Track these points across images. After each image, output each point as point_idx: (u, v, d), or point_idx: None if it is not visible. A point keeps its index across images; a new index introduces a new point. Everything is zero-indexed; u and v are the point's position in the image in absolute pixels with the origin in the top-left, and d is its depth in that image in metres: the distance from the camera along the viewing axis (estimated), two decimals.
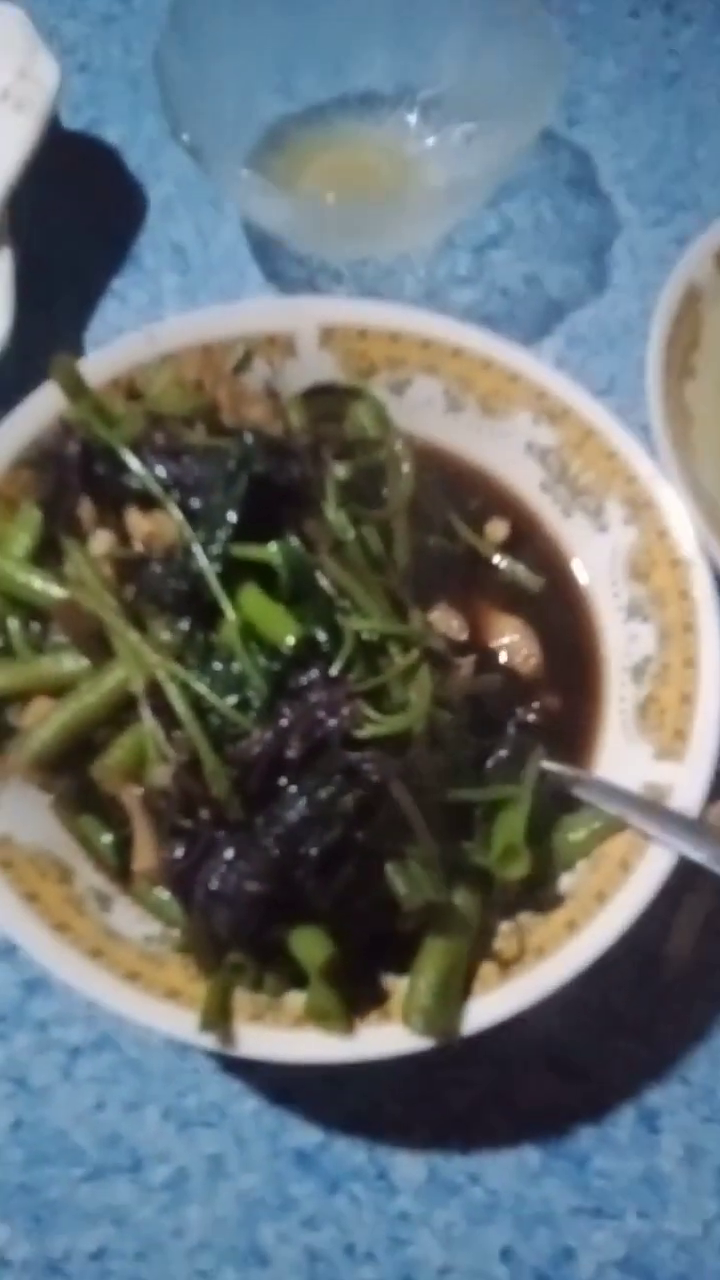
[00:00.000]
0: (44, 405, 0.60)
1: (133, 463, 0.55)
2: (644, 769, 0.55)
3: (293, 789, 0.48)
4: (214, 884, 0.49)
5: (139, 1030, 0.57)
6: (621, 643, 0.60)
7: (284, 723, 0.49)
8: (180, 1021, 0.49)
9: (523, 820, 0.52)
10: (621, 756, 0.57)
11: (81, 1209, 0.54)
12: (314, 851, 0.48)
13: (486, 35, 0.79)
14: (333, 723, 0.48)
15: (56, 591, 0.55)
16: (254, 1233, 0.54)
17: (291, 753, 0.48)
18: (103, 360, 0.61)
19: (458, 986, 0.50)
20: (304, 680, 0.50)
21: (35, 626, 0.57)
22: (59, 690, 0.54)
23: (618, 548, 0.61)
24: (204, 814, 0.50)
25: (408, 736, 0.50)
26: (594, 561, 0.62)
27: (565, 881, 0.54)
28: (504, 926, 0.53)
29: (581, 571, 0.63)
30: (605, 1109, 0.57)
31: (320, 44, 0.83)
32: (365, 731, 0.49)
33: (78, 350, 0.77)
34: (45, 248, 0.79)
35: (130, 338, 0.62)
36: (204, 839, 0.49)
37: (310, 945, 0.49)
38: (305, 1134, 0.56)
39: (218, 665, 0.51)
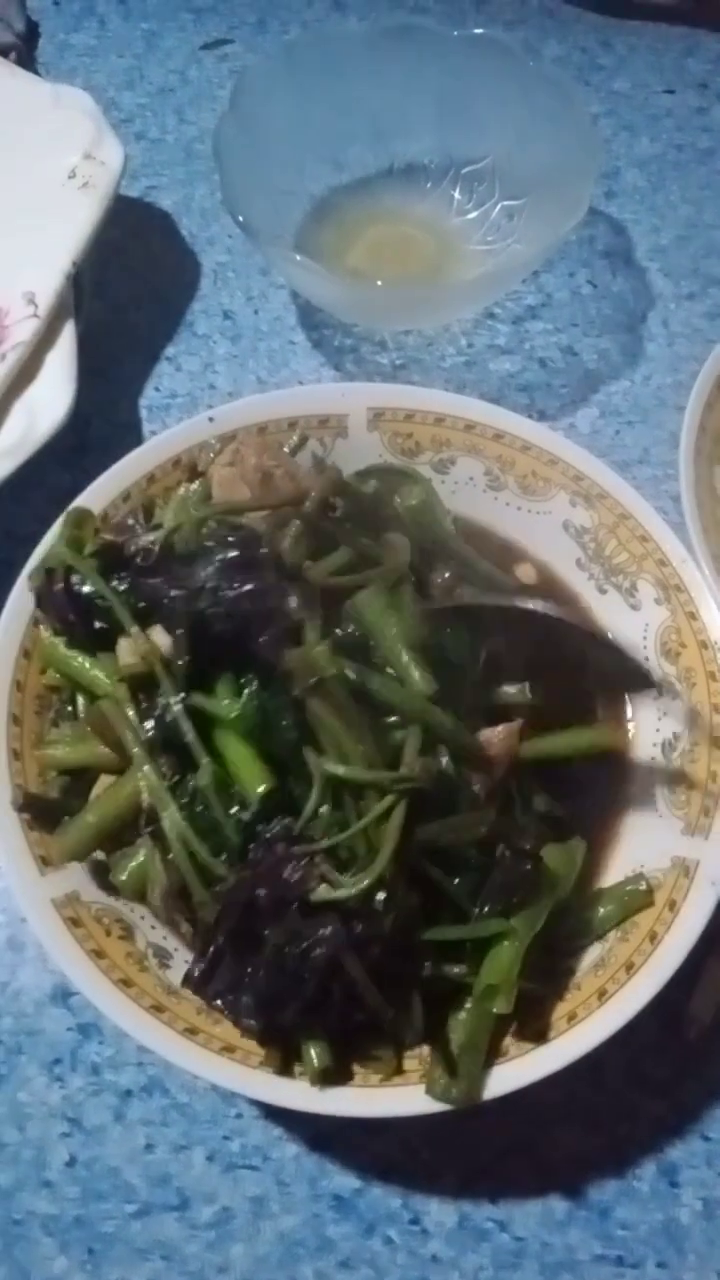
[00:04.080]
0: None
1: (103, 590, 0.55)
2: (672, 843, 0.58)
3: (269, 935, 0.49)
4: (216, 988, 0.51)
5: (187, 1076, 0.60)
6: (652, 718, 0.63)
7: (252, 873, 0.50)
8: (236, 1076, 0.52)
9: (512, 957, 0.52)
10: (650, 829, 0.60)
11: (133, 1244, 0.58)
12: (294, 1003, 0.49)
13: (527, 113, 0.82)
14: (294, 879, 0.49)
15: (104, 682, 0.56)
16: (294, 1271, 0.57)
17: (262, 902, 0.49)
18: (168, 442, 0.64)
19: (478, 1061, 0.52)
20: (272, 830, 0.50)
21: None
22: (117, 769, 0.56)
23: (650, 626, 0.64)
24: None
25: (374, 890, 0.49)
26: (628, 638, 0.65)
27: (595, 951, 0.57)
28: (535, 993, 0.55)
29: None
30: (628, 1162, 0.60)
31: (369, 118, 0.87)
32: (320, 896, 0.49)
33: (134, 415, 0.81)
34: (104, 316, 0.83)
35: (193, 421, 0.65)
36: (211, 954, 0.51)
37: (315, 1054, 0.52)
38: (343, 1179, 0.59)
39: (199, 806, 0.52)
